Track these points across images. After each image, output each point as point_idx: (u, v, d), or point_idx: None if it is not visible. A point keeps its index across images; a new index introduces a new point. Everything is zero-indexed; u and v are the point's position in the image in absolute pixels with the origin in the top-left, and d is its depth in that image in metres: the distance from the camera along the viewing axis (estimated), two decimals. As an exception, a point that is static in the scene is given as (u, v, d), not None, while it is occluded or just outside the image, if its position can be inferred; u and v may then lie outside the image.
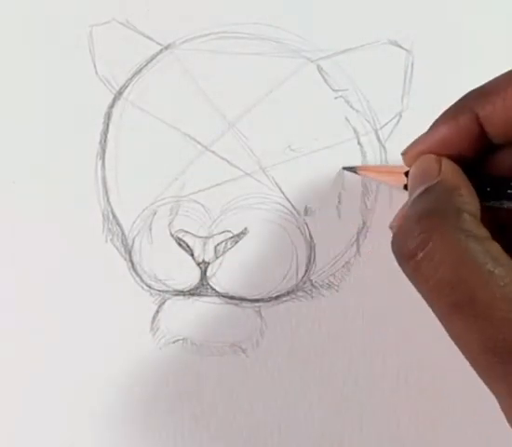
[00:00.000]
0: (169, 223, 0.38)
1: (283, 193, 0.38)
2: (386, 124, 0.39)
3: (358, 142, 0.39)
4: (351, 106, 0.39)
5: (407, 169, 0.33)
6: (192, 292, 0.38)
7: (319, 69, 0.39)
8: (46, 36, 0.39)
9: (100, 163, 0.39)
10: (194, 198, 0.38)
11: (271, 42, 0.39)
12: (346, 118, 0.39)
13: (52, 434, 0.38)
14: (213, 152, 0.39)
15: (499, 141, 0.31)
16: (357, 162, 0.39)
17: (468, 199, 0.29)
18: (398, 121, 0.39)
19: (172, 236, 0.38)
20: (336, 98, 0.39)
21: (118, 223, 0.38)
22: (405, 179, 0.33)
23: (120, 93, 0.39)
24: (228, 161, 0.38)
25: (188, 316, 0.38)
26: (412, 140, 0.32)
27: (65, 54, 0.39)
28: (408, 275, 0.28)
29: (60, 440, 0.38)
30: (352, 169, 0.38)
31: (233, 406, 0.38)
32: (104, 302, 0.38)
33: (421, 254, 0.27)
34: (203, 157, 0.39)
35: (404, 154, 0.32)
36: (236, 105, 0.39)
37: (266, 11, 0.39)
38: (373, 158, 0.39)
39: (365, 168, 0.37)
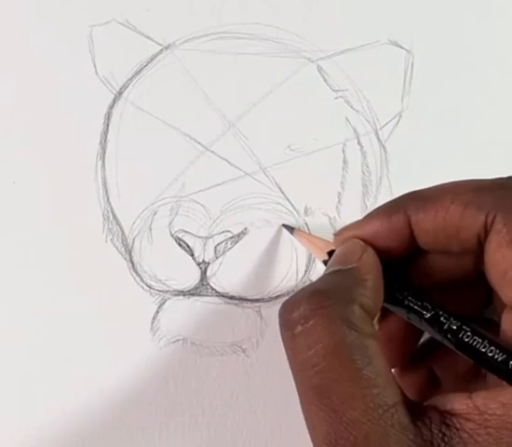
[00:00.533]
0: (169, 223, 0.38)
1: (283, 193, 0.38)
2: (386, 124, 0.39)
3: (358, 142, 0.39)
4: (351, 106, 0.39)
5: (332, 248, 0.33)
6: (192, 292, 0.38)
7: (319, 69, 0.39)
8: (46, 36, 0.39)
9: (100, 163, 0.39)
10: (194, 198, 0.38)
11: (271, 42, 0.39)
12: (346, 118, 0.39)
13: (52, 434, 0.38)
14: (213, 152, 0.39)
15: (426, 247, 0.30)
16: (357, 162, 0.39)
17: (370, 294, 0.28)
18: (398, 121, 0.39)
19: (172, 236, 0.38)
20: (336, 98, 0.39)
21: (118, 223, 0.38)
22: (326, 256, 0.33)
23: (120, 93, 0.39)
24: (228, 161, 0.38)
25: (188, 316, 0.38)
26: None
27: (65, 54, 0.39)
28: (283, 341, 0.28)
29: (59, 440, 0.38)
30: (289, 229, 0.38)
31: (233, 406, 0.38)
32: (104, 302, 0.38)
33: (299, 328, 0.27)
34: (203, 157, 0.39)
35: (336, 235, 0.32)
36: (236, 105, 0.39)
37: (266, 11, 0.39)
38: (373, 158, 0.39)
39: (300, 232, 0.37)
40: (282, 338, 0.28)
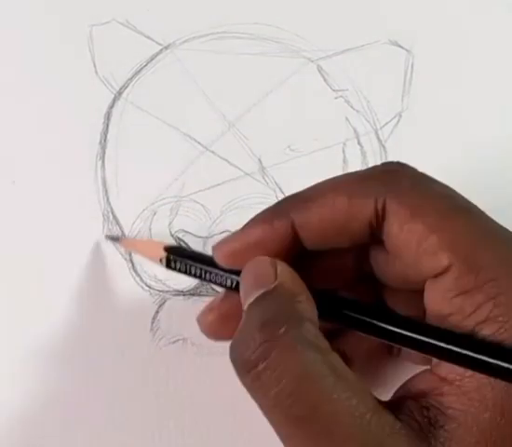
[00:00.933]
0: (169, 224, 0.38)
1: (283, 193, 0.38)
2: (386, 124, 0.39)
3: (358, 142, 0.39)
4: (351, 106, 0.39)
5: (165, 243, 0.33)
6: (192, 292, 0.38)
7: (319, 69, 0.39)
8: (45, 36, 0.39)
9: (100, 163, 0.39)
10: (194, 198, 0.38)
11: (271, 42, 0.39)
12: (346, 118, 0.39)
13: (51, 434, 0.38)
14: (213, 152, 0.39)
15: (313, 247, 0.30)
16: (357, 162, 0.39)
17: (308, 306, 0.28)
18: (398, 121, 0.39)
19: (172, 236, 0.38)
20: (336, 98, 0.39)
21: (118, 223, 0.38)
22: (164, 253, 0.33)
23: (120, 93, 0.39)
24: (228, 161, 0.38)
25: (188, 316, 0.38)
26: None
27: (65, 54, 0.39)
28: (247, 386, 0.27)
29: (59, 440, 0.38)
30: (114, 239, 0.37)
31: (233, 406, 0.38)
32: (104, 302, 0.38)
33: (262, 365, 0.26)
34: (203, 157, 0.39)
35: (214, 249, 0.31)
36: (236, 105, 0.39)
37: (266, 11, 0.39)
38: (373, 158, 0.39)
39: (126, 240, 0.37)
40: (243, 381, 0.27)
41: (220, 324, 0.32)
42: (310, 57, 0.39)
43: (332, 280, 0.32)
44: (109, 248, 0.38)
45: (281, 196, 0.38)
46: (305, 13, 0.39)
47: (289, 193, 0.38)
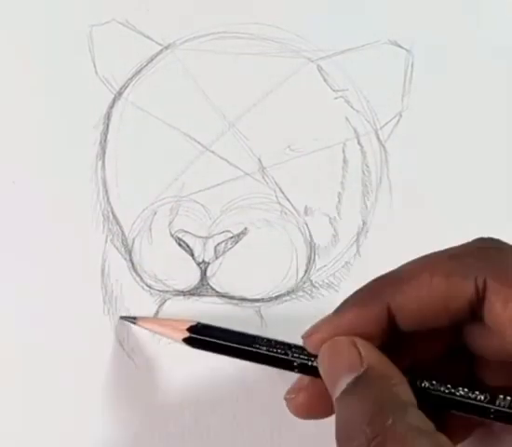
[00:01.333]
0: (169, 223, 0.38)
1: (283, 193, 0.38)
2: (386, 124, 0.39)
3: (358, 142, 0.39)
4: (351, 106, 0.39)
5: (190, 323, 0.33)
6: (192, 292, 0.38)
7: (319, 69, 0.39)
8: (46, 36, 0.39)
9: (100, 163, 0.39)
10: (194, 198, 0.38)
11: (271, 42, 0.39)
12: (346, 118, 0.39)
13: (51, 434, 0.38)
14: (213, 152, 0.39)
15: (408, 328, 0.29)
16: (357, 162, 0.39)
17: (405, 389, 0.27)
18: (398, 121, 0.39)
19: (172, 236, 0.38)
20: (336, 98, 0.39)
21: (118, 223, 0.38)
22: (187, 333, 0.33)
23: (120, 93, 0.39)
24: (228, 161, 0.38)
25: (188, 316, 0.38)
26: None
27: (65, 54, 0.39)
28: None
29: (58, 440, 0.38)
30: (130, 320, 0.37)
31: (233, 406, 0.38)
32: (104, 301, 0.38)
33: None
34: (203, 157, 0.39)
35: (305, 338, 0.30)
36: (236, 105, 0.39)
37: (266, 11, 0.39)
38: (373, 158, 0.39)
39: (144, 319, 0.37)
40: None
41: (309, 404, 0.31)
42: (310, 57, 0.39)
43: (422, 357, 0.31)
44: (109, 248, 0.38)
45: (281, 196, 0.38)
46: (305, 13, 0.39)
47: (289, 193, 0.39)
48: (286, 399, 0.31)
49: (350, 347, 0.28)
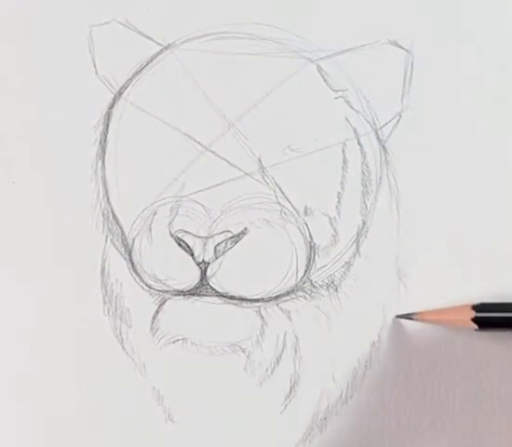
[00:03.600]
0: (169, 223, 0.38)
1: (283, 193, 0.38)
2: (386, 124, 0.39)
3: (358, 142, 0.39)
4: (351, 106, 0.39)
5: (471, 304, 0.34)
6: (192, 292, 0.38)
7: (319, 69, 0.39)
8: (46, 36, 0.39)
9: (100, 163, 0.39)
10: (194, 198, 0.38)
11: (271, 42, 0.39)
12: (346, 118, 0.39)
13: (51, 434, 0.38)
14: (213, 152, 0.39)
15: None
16: (357, 162, 0.39)
17: None
18: (398, 121, 0.39)
19: (172, 236, 0.38)
20: (336, 98, 0.39)
21: (118, 223, 0.38)
22: (472, 312, 0.34)
23: (120, 93, 0.39)
24: (228, 161, 0.38)
25: (188, 316, 0.38)
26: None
27: (65, 54, 0.39)
28: None
29: (58, 440, 0.38)
30: (407, 317, 0.37)
31: (233, 406, 0.38)
32: (104, 301, 0.38)
33: None
34: (203, 157, 0.39)
35: None
36: (236, 105, 0.39)
37: (266, 11, 0.39)
38: (373, 158, 0.39)
39: (422, 313, 0.37)
40: None
41: None
42: (310, 57, 0.39)
43: None
44: (109, 248, 0.38)
45: (281, 196, 0.38)
46: (305, 13, 0.39)
47: (289, 193, 0.39)
48: None
49: None
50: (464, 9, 0.39)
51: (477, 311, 0.35)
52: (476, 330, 0.35)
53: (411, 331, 0.38)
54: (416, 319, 0.37)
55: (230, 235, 0.38)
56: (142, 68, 0.39)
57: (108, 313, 0.38)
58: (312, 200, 0.38)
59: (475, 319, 0.34)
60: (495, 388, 0.37)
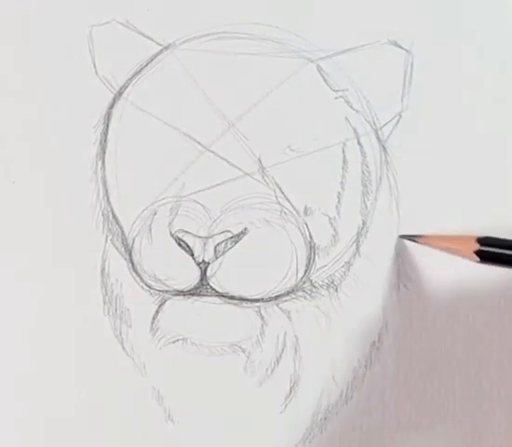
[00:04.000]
0: (169, 223, 0.38)
1: (283, 193, 0.38)
2: (386, 124, 0.39)
3: (358, 142, 0.39)
4: (351, 106, 0.39)
5: (476, 236, 0.33)
6: (192, 292, 0.38)
7: (319, 69, 0.39)
8: (46, 36, 0.39)
9: (100, 163, 0.39)
10: (194, 198, 0.38)
11: (271, 42, 0.39)
12: (346, 118, 0.39)
13: (51, 434, 0.38)
14: (213, 152, 0.39)
15: None
16: (357, 162, 0.39)
17: None
18: (398, 121, 0.39)
19: (172, 236, 0.38)
20: (336, 98, 0.39)
21: (118, 223, 0.38)
22: (476, 245, 0.33)
23: (120, 93, 0.39)
24: (228, 161, 0.38)
25: (188, 316, 0.38)
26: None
27: (65, 54, 0.39)
28: None
29: (58, 440, 0.38)
30: (411, 238, 0.37)
31: (233, 406, 0.38)
32: (104, 301, 0.38)
33: None
34: (203, 157, 0.39)
35: None
36: (236, 105, 0.39)
37: (266, 11, 0.39)
38: (373, 158, 0.39)
39: (427, 237, 0.37)
40: None
41: None
42: (310, 57, 0.39)
43: None
44: (109, 248, 0.38)
45: (281, 196, 0.38)
46: (305, 13, 0.39)
47: (288, 193, 0.39)
48: None
49: None
50: (464, 9, 0.40)
51: (481, 244, 0.34)
52: (477, 262, 0.35)
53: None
54: (419, 242, 0.36)
55: (230, 235, 0.38)
56: (142, 68, 0.39)
57: (108, 313, 0.38)
58: (312, 200, 0.38)
59: (478, 252, 0.34)
60: (495, 388, 0.37)
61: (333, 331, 0.38)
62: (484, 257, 0.35)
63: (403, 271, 0.38)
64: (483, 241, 0.35)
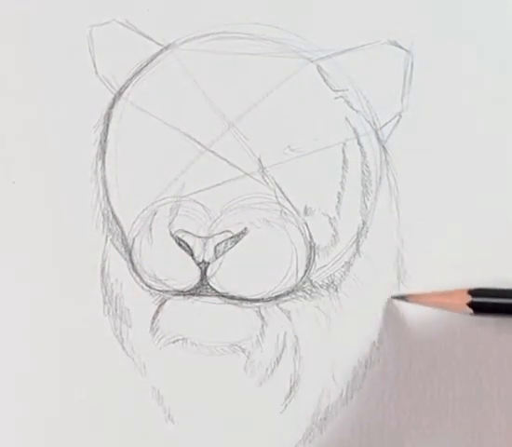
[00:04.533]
0: (169, 223, 0.38)
1: (283, 193, 0.38)
2: (386, 124, 0.39)
3: (358, 142, 0.39)
4: (351, 106, 0.39)
5: (467, 289, 0.33)
6: (192, 292, 0.38)
7: (319, 69, 0.39)
8: (46, 36, 0.39)
9: (100, 163, 0.39)
10: (194, 198, 0.38)
11: (271, 42, 0.39)
12: (346, 118, 0.39)
13: (50, 434, 0.38)
14: (213, 152, 0.39)
15: None
16: (357, 162, 0.39)
17: None
18: (398, 121, 0.39)
19: (172, 236, 0.38)
20: (336, 98, 0.39)
21: (118, 223, 0.38)
22: (468, 297, 0.33)
23: (120, 93, 0.39)
24: (228, 161, 0.38)
25: (188, 316, 0.38)
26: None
27: (65, 54, 0.39)
28: None
29: (58, 440, 0.38)
30: (402, 298, 0.37)
31: (233, 406, 0.38)
32: (104, 301, 0.38)
33: None
34: (203, 157, 0.39)
35: None
36: (236, 105, 0.39)
37: (266, 11, 0.39)
38: (373, 158, 0.39)
39: (417, 295, 0.37)
40: None
41: None
42: (310, 57, 0.39)
43: None
44: (109, 248, 0.38)
45: (281, 196, 0.38)
46: (305, 13, 0.39)
47: (288, 193, 0.39)
48: None
49: None
50: (464, 9, 0.40)
51: (473, 296, 0.35)
52: (471, 314, 0.35)
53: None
54: (410, 301, 0.37)
55: (230, 235, 0.38)
56: (142, 68, 0.39)
57: (108, 313, 0.38)
58: (312, 200, 0.38)
59: (471, 304, 0.34)
60: (495, 388, 0.37)
61: (333, 331, 0.38)
62: (477, 308, 0.35)
63: (403, 271, 0.38)
64: (475, 293, 0.35)
